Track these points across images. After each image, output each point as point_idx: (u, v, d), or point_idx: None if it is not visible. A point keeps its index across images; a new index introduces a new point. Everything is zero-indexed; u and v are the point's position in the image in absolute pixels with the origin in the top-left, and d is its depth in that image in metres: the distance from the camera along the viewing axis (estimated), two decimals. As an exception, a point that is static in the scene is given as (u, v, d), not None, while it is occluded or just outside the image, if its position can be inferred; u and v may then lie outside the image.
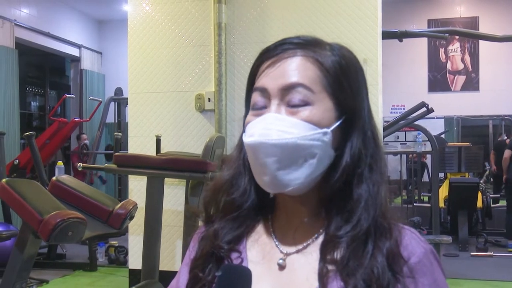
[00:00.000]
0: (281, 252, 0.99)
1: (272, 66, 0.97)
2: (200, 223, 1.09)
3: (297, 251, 0.98)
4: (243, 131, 0.99)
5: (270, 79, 0.96)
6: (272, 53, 0.98)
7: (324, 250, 0.93)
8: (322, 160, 0.94)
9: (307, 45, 0.98)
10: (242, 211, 1.02)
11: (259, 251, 1.01)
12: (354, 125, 0.97)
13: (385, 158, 1.03)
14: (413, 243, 0.95)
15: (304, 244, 0.98)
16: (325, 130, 0.93)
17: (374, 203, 0.94)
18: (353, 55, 1.02)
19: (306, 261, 0.96)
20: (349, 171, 0.95)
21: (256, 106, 0.97)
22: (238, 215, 1.02)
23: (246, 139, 0.95)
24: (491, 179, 11.67)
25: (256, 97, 0.97)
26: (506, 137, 11.48)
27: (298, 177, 0.92)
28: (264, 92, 0.96)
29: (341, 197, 0.95)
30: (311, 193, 0.96)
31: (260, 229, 1.04)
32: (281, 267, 0.97)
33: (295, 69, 0.95)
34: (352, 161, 0.95)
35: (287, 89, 0.94)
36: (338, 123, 0.95)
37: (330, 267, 0.91)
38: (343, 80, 0.97)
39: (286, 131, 0.91)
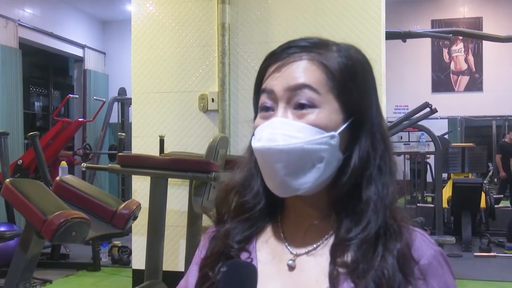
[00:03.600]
0: (291, 253, 0.99)
1: (278, 70, 0.96)
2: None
3: (307, 252, 0.98)
4: (253, 133, 0.98)
5: (276, 82, 0.95)
6: (278, 57, 0.97)
7: (334, 253, 0.93)
8: (330, 163, 0.93)
9: (313, 48, 0.97)
10: (254, 213, 1.02)
11: (268, 252, 1.01)
12: (362, 126, 0.96)
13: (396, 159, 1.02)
14: (423, 245, 0.94)
15: (314, 246, 0.97)
16: (332, 133, 0.92)
17: (383, 205, 0.93)
18: (362, 55, 1.02)
19: (316, 262, 0.96)
20: (357, 173, 0.94)
21: (264, 108, 0.97)
22: (249, 216, 1.02)
23: (254, 143, 0.94)
24: (495, 180, 11.63)
25: (264, 99, 0.97)
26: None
27: (306, 181, 0.92)
28: (271, 94, 0.95)
29: (350, 199, 0.94)
30: (320, 195, 0.96)
31: (270, 230, 1.04)
32: (291, 267, 0.97)
33: (301, 71, 0.94)
34: (360, 163, 0.94)
35: (293, 90, 0.93)
36: (345, 125, 0.94)
37: (340, 269, 0.91)
38: (349, 81, 0.96)
39: (293, 135, 0.90)
